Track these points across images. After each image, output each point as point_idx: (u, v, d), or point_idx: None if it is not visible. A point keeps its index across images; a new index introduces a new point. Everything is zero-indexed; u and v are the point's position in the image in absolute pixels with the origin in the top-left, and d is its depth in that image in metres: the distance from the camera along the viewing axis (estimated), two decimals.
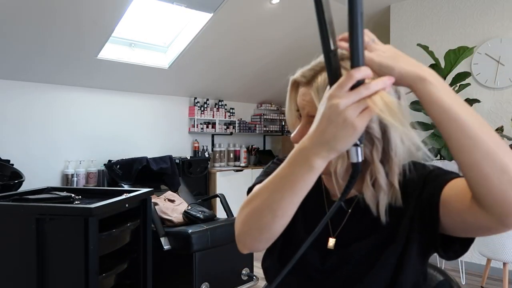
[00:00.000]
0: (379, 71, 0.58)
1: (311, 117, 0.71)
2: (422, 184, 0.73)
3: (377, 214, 0.71)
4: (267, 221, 0.65)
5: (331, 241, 0.79)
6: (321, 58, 0.71)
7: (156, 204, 3.04)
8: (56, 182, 3.64)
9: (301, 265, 0.77)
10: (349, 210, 0.78)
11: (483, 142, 0.55)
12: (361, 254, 0.75)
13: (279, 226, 0.66)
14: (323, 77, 0.69)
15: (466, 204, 0.62)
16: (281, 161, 0.88)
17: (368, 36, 0.60)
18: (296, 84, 0.76)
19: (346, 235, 0.78)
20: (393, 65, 0.58)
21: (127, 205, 1.94)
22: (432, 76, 0.58)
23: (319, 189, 0.84)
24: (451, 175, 0.71)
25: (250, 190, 0.88)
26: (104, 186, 3.78)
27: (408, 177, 0.75)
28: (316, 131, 0.56)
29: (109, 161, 3.76)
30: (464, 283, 3.18)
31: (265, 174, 0.87)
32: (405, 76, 0.58)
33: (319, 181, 0.84)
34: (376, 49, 0.59)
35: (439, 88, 0.57)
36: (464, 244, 0.70)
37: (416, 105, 3.47)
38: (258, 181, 0.86)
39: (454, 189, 0.67)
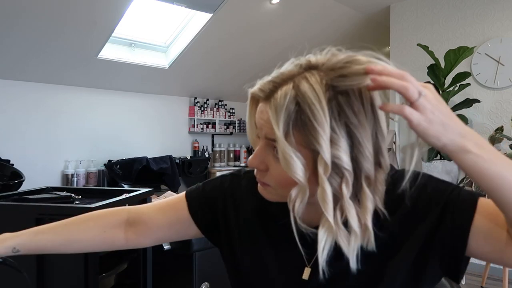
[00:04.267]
0: (423, 136, 0.52)
1: (269, 140, 0.60)
2: (426, 211, 0.64)
3: (373, 250, 0.61)
4: None
5: (307, 272, 0.69)
6: (284, 68, 0.61)
7: None
8: (56, 182, 3.64)
9: None
10: (308, 267, 0.69)
11: None
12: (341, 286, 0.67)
13: None
14: (283, 92, 0.57)
15: (509, 251, 0.57)
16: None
17: (417, 89, 0.51)
18: (255, 98, 0.65)
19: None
20: (440, 135, 0.51)
21: (127, 205, 1.94)
22: (475, 144, 0.52)
23: (287, 213, 0.70)
24: (469, 201, 0.61)
25: (186, 194, 0.82)
26: (104, 186, 3.78)
27: (399, 195, 0.64)
28: None
29: (109, 161, 3.76)
30: (464, 283, 3.17)
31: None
32: (449, 148, 0.52)
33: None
34: (425, 108, 0.51)
35: (484, 158, 0.52)
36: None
37: None
38: (194, 189, 0.83)
39: (487, 225, 0.59)
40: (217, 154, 5.00)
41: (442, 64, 3.31)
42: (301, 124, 0.56)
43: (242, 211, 0.77)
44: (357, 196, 0.59)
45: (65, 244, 0.78)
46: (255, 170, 0.66)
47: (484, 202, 0.60)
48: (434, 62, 3.32)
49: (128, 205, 1.95)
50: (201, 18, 3.62)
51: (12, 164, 3.09)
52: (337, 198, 0.58)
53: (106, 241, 0.80)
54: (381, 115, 0.59)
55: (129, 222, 0.81)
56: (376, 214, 0.61)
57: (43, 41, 3.10)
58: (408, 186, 0.62)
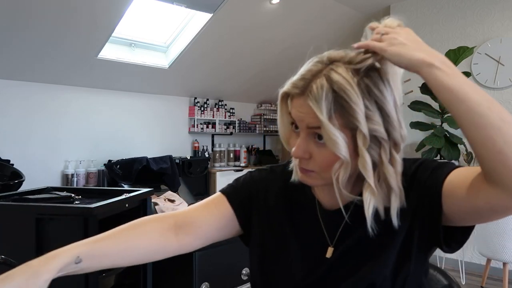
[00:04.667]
0: (390, 59, 0.64)
1: (311, 129, 0.68)
2: (419, 180, 0.72)
3: (384, 217, 0.69)
4: None
5: (330, 251, 0.77)
6: (309, 65, 0.69)
7: (156, 204, 3.04)
8: (56, 182, 3.64)
9: (290, 277, 0.78)
10: (346, 218, 0.76)
11: (494, 118, 0.57)
12: (357, 256, 0.74)
13: None
14: (318, 85, 0.65)
15: (475, 188, 0.62)
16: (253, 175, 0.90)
17: (380, 34, 0.65)
18: (286, 96, 0.72)
19: (344, 243, 0.76)
20: (402, 53, 0.62)
21: (127, 205, 1.94)
22: (440, 62, 0.61)
23: (311, 201, 0.82)
24: (450, 166, 0.69)
25: (222, 191, 0.88)
26: (104, 186, 3.78)
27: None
28: None
29: (109, 161, 3.76)
30: (464, 283, 3.18)
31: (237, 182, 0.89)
32: (413, 62, 0.62)
33: (311, 192, 0.82)
34: (385, 39, 0.64)
35: (447, 72, 0.60)
36: (464, 232, 0.69)
37: (416, 105, 3.48)
38: (228, 187, 0.88)
39: (458, 177, 0.66)
40: (217, 154, 5.00)
41: None
42: (340, 108, 0.65)
43: (270, 200, 0.85)
44: (389, 161, 0.68)
45: (126, 250, 0.74)
46: (298, 160, 0.73)
47: (458, 169, 0.68)
48: None
49: (129, 206, 1.95)
50: (201, 18, 3.62)
51: (12, 164, 3.08)
52: (375, 166, 0.68)
53: (161, 246, 0.78)
54: (395, 90, 0.69)
55: (177, 225, 0.80)
56: None
57: (42, 41, 3.10)
58: (411, 163, 0.74)
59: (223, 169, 4.72)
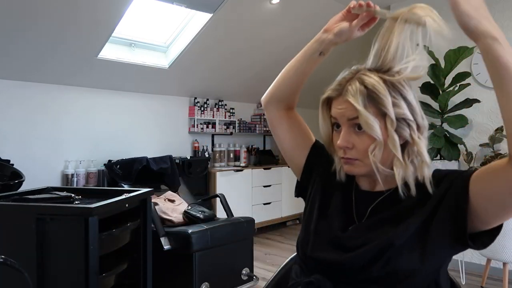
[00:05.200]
0: (458, 17, 0.72)
1: (351, 120, 0.84)
2: (449, 177, 0.83)
3: (416, 193, 0.82)
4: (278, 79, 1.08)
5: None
6: (343, 75, 0.87)
7: (156, 204, 3.04)
8: (56, 182, 3.64)
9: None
10: (375, 201, 0.88)
11: None
12: (384, 225, 0.84)
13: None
14: (353, 85, 0.83)
15: (498, 170, 0.73)
16: None
17: None
18: (326, 101, 0.90)
19: (374, 216, 0.88)
20: (473, 16, 0.70)
21: (127, 205, 1.94)
22: (502, 38, 0.69)
23: (350, 182, 0.95)
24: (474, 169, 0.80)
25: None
26: (104, 186, 3.78)
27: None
28: None
29: (109, 161, 3.76)
30: (464, 283, 3.18)
31: None
32: (479, 30, 0.70)
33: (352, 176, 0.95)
34: None
35: (506, 50, 0.68)
36: (491, 234, 0.78)
37: None
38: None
39: (485, 167, 0.77)
40: (217, 154, 4.99)
41: (442, 64, 3.31)
42: (372, 100, 0.82)
43: (331, 174, 0.98)
44: (419, 138, 0.84)
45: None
46: (342, 151, 0.87)
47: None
48: (434, 62, 3.32)
49: (129, 206, 1.96)
50: (201, 18, 3.62)
51: (12, 164, 3.08)
52: (405, 145, 0.84)
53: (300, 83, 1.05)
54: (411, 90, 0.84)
55: (291, 106, 1.09)
56: None
57: (42, 41, 3.10)
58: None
59: (223, 169, 4.72)
